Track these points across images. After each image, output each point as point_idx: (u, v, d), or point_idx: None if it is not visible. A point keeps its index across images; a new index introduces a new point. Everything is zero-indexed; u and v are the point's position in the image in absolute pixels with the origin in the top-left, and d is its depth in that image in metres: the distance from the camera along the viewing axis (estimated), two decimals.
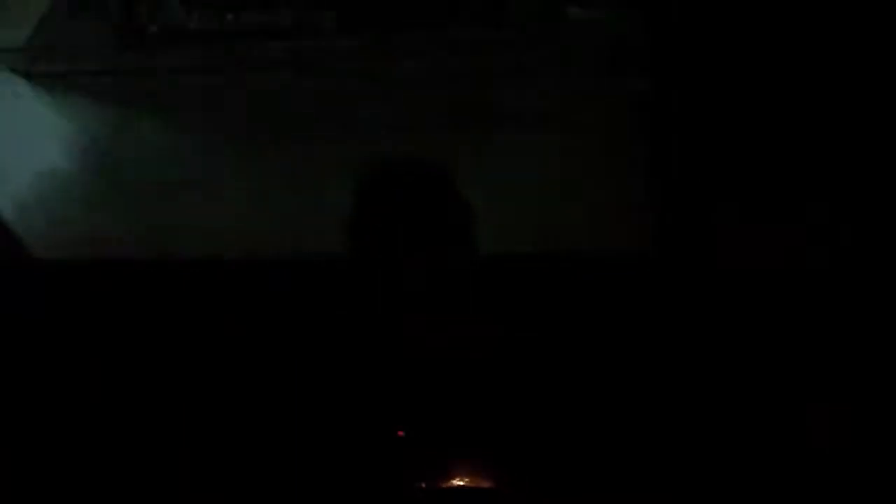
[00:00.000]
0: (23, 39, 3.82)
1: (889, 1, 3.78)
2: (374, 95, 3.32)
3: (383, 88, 3.25)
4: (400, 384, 2.71)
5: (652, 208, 3.88)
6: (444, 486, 2.57)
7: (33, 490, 3.68)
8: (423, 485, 2.56)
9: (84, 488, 3.66)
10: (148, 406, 3.70)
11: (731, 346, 3.78)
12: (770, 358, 3.76)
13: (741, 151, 3.85)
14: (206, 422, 3.59)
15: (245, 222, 3.77)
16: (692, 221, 3.87)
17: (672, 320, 3.79)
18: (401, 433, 2.67)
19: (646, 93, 3.89)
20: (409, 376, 2.70)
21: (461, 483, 2.57)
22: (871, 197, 3.82)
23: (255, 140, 3.34)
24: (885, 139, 3.85)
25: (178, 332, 3.74)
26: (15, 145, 3.83)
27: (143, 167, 3.77)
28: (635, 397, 3.71)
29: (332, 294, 2.90)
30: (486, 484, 2.58)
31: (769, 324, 3.77)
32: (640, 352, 3.77)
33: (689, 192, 3.87)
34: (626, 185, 3.90)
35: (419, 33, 3.34)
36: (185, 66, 3.51)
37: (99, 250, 3.82)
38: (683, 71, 3.88)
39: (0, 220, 3.87)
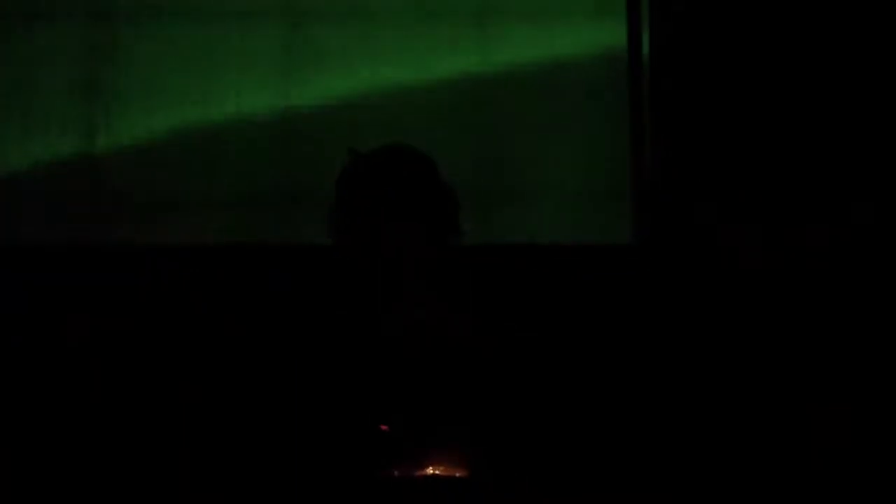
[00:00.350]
0: None
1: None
2: None
3: None
4: (382, 376, 2.71)
5: (638, 203, 3.89)
6: (418, 473, 2.58)
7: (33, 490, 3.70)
8: (396, 472, 2.57)
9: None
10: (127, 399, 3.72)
11: (709, 342, 3.78)
12: (753, 355, 3.76)
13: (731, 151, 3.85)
14: (187, 413, 3.61)
15: None
16: (680, 217, 3.87)
17: (653, 316, 3.80)
18: (384, 427, 2.67)
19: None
20: (390, 367, 2.70)
21: (435, 472, 2.58)
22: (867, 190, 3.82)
23: None
24: (868, 139, 3.85)
25: (158, 324, 3.77)
26: None
27: None
28: (615, 391, 3.71)
29: (319, 286, 2.91)
30: (458, 472, 2.58)
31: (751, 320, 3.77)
32: (625, 346, 3.77)
33: (676, 188, 3.88)
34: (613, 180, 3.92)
35: None
36: None
37: None
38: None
39: None
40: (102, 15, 4.03)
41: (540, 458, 2.79)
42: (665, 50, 3.89)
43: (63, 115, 4.02)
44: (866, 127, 3.85)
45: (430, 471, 2.57)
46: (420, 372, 2.71)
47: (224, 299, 3.79)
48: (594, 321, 3.75)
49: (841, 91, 3.85)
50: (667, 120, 3.88)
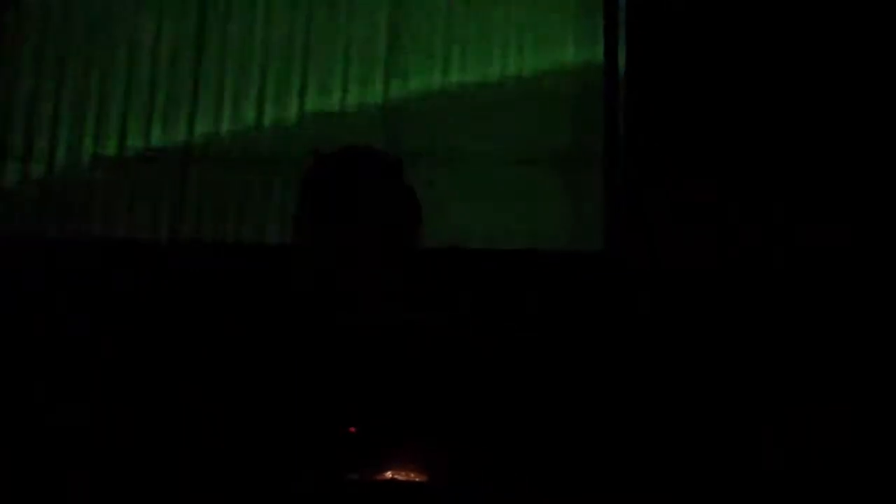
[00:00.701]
0: None
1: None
2: None
3: None
4: (353, 379, 2.71)
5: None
6: (378, 477, 2.58)
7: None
8: (357, 476, 2.57)
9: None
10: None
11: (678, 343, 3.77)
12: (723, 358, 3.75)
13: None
14: (185, 413, 3.63)
15: None
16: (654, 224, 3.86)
17: (617, 319, 3.79)
18: (353, 430, 2.67)
19: None
20: (361, 371, 2.70)
21: (395, 476, 2.58)
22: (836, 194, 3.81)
23: None
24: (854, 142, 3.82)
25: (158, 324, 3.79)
26: None
27: None
28: (603, 394, 3.70)
29: (286, 291, 2.91)
30: (418, 477, 2.58)
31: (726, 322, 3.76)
32: (596, 349, 3.76)
33: (642, 194, 3.87)
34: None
35: None
36: None
37: None
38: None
39: None
40: None
41: (523, 461, 2.78)
42: (642, 61, 3.89)
43: None
44: (849, 130, 3.84)
45: (388, 475, 2.57)
46: (390, 375, 2.70)
47: (224, 299, 3.81)
48: (575, 325, 3.76)
49: (823, 97, 3.84)
50: (641, 128, 3.88)
